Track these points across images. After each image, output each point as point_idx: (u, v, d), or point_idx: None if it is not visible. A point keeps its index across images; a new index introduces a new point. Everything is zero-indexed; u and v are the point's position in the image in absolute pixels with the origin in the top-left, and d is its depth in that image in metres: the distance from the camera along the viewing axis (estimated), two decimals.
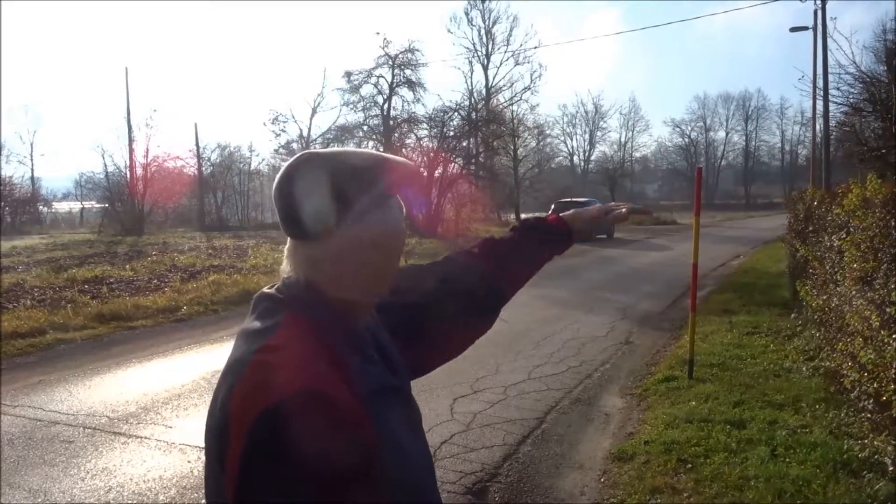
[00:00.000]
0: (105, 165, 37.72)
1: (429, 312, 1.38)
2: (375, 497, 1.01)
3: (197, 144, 43.82)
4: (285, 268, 1.14)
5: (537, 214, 1.55)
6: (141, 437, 5.33)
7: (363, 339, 1.14)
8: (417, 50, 34.52)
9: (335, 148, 1.20)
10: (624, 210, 1.60)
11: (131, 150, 36.01)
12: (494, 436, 5.26)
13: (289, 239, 1.14)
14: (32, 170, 53.88)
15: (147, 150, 36.12)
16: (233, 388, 1.01)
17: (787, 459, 4.37)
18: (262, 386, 0.98)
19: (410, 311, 1.35)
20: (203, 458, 1.07)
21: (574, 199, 30.78)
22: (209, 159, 47.39)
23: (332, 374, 1.02)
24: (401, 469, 1.08)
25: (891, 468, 3.80)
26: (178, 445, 5.07)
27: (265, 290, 1.16)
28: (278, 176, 1.12)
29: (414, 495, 1.11)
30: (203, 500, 4.39)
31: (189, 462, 4.75)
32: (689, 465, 4.42)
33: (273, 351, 1.02)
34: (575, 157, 74.23)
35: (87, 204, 48.11)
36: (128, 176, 36.33)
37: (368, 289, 1.13)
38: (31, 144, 56.78)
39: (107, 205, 37.64)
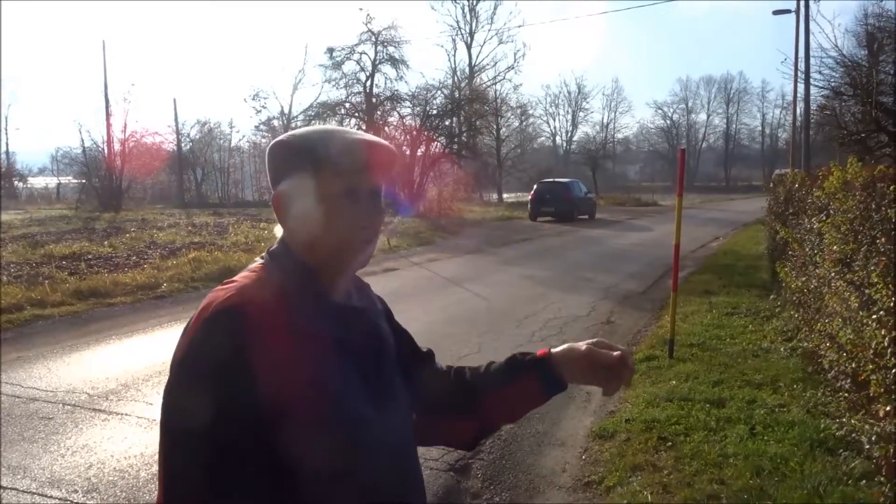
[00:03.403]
0: (82, 140, 36.88)
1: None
2: (291, 439, 1.02)
3: (176, 120, 43.29)
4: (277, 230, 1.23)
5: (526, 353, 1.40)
6: (121, 414, 5.29)
7: (326, 301, 1.17)
8: (401, 27, 34.23)
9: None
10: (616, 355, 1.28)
11: (109, 125, 35.24)
12: None
13: None
14: (7, 144, 53.04)
15: (125, 125, 35.33)
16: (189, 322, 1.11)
17: (766, 438, 4.44)
18: (203, 309, 1.09)
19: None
20: None
21: (556, 180, 30.81)
22: (188, 135, 46.76)
23: (269, 303, 1.09)
24: (332, 422, 1.07)
25: (867, 446, 3.86)
26: (158, 422, 5.03)
27: None
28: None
29: (346, 448, 1.08)
30: None
31: None
32: (670, 443, 4.47)
33: (227, 284, 1.13)
34: (557, 138, 74.16)
35: (64, 179, 47.32)
36: (105, 151, 35.71)
37: (325, 251, 1.16)
38: (6, 118, 55.76)
39: (84, 180, 37.00)
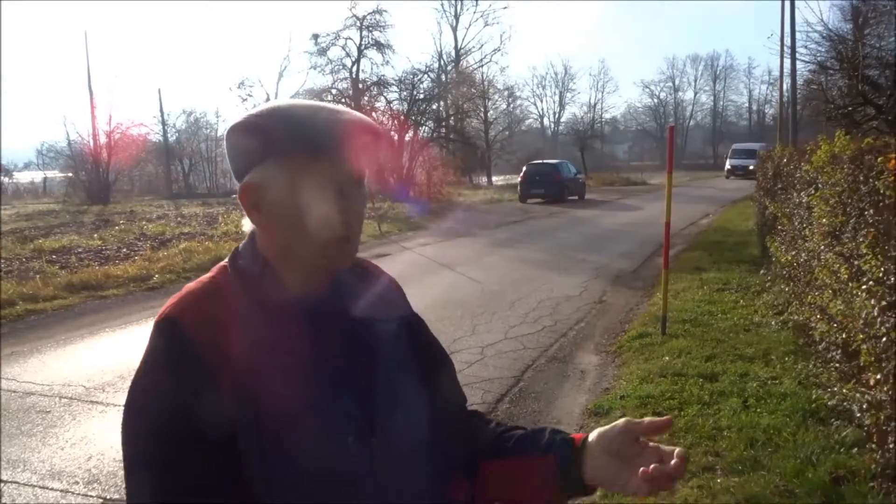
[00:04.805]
0: (67, 133, 36.72)
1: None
2: (225, 459, 0.93)
3: (161, 110, 43.03)
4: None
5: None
6: (119, 406, 5.28)
7: (292, 306, 1.03)
8: (385, 11, 34.00)
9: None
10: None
11: (93, 118, 35.00)
12: (473, 395, 5.32)
13: None
14: None
15: (110, 117, 35.16)
16: None
17: (758, 410, 4.50)
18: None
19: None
20: None
21: (545, 161, 30.76)
22: (174, 126, 46.51)
23: (211, 312, 0.99)
24: (279, 450, 0.94)
25: (858, 415, 3.92)
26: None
27: None
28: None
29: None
30: None
31: None
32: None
33: (185, 289, 1.05)
34: (545, 119, 74.00)
35: (50, 173, 46.93)
36: (91, 144, 35.44)
37: (301, 251, 1.03)
38: None
39: (70, 174, 36.77)
